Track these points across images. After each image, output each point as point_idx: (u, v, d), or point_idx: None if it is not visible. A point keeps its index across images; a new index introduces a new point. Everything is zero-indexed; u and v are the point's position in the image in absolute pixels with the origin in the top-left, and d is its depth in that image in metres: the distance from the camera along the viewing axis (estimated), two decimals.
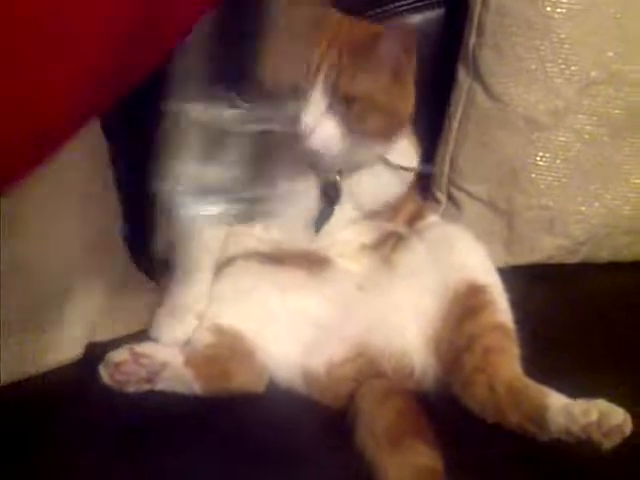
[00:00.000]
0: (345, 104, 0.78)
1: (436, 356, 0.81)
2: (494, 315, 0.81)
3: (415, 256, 0.86)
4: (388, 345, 0.81)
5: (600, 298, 0.95)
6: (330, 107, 0.78)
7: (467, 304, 0.81)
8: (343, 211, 0.86)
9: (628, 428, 0.68)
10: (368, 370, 0.80)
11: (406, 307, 0.83)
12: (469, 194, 1.04)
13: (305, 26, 0.79)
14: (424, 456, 0.68)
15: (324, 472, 0.70)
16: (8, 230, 0.73)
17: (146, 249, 0.92)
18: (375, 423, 0.73)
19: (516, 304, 0.83)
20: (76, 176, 0.81)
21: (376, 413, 0.74)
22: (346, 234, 0.87)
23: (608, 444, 0.68)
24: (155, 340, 0.82)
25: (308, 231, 0.86)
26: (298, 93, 0.78)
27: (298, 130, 0.77)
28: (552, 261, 1.04)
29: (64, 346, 0.82)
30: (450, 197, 1.05)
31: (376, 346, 0.81)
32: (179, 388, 0.78)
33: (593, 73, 0.99)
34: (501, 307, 0.82)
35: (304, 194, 0.85)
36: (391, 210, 0.89)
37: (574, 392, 0.72)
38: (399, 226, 0.89)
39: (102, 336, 0.85)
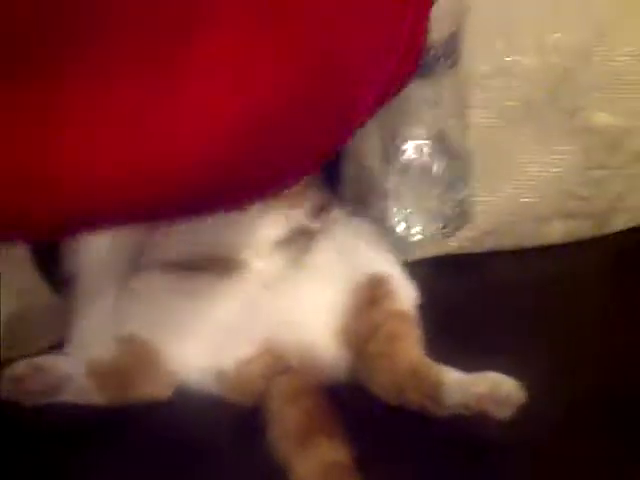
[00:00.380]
0: None
1: (346, 348, 0.83)
2: (395, 303, 0.83)
3: (321, 251, 0.87)
4: (295, 341, 0.82)
5: (504, 285, 0.98)
6: None
7: (370, 295, 0.83)
8: None
9: (519, 398, 0.70)
10: (277, 366, 0.81)
11: (313, 303, 0.84)
12: None
13: None
14: (332, 452, 0.70)
15: (237, 473, 0.71)
16: None
17: (55, 264, 0.91)
18: (284, 422, 0.74)
19: (422, 295, 0.85)
20: None
21: (285, 412, 0.75)
22: (256, 230, 0.88)
23: (502, 414, 0.70)
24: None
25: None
26: None
27: None
28: (460, 252, 1.06)
29: None
30: None
31: (283, 342, 0.82)
32: (83, 400, 0.77)
33: (484, 67, 1.02)
34: (403, 296, 0.84)
35: None
36: (295, 195, 0.88)
37: None
38: (305, 218, 0.90)
39: (9, 354, 0.83)
